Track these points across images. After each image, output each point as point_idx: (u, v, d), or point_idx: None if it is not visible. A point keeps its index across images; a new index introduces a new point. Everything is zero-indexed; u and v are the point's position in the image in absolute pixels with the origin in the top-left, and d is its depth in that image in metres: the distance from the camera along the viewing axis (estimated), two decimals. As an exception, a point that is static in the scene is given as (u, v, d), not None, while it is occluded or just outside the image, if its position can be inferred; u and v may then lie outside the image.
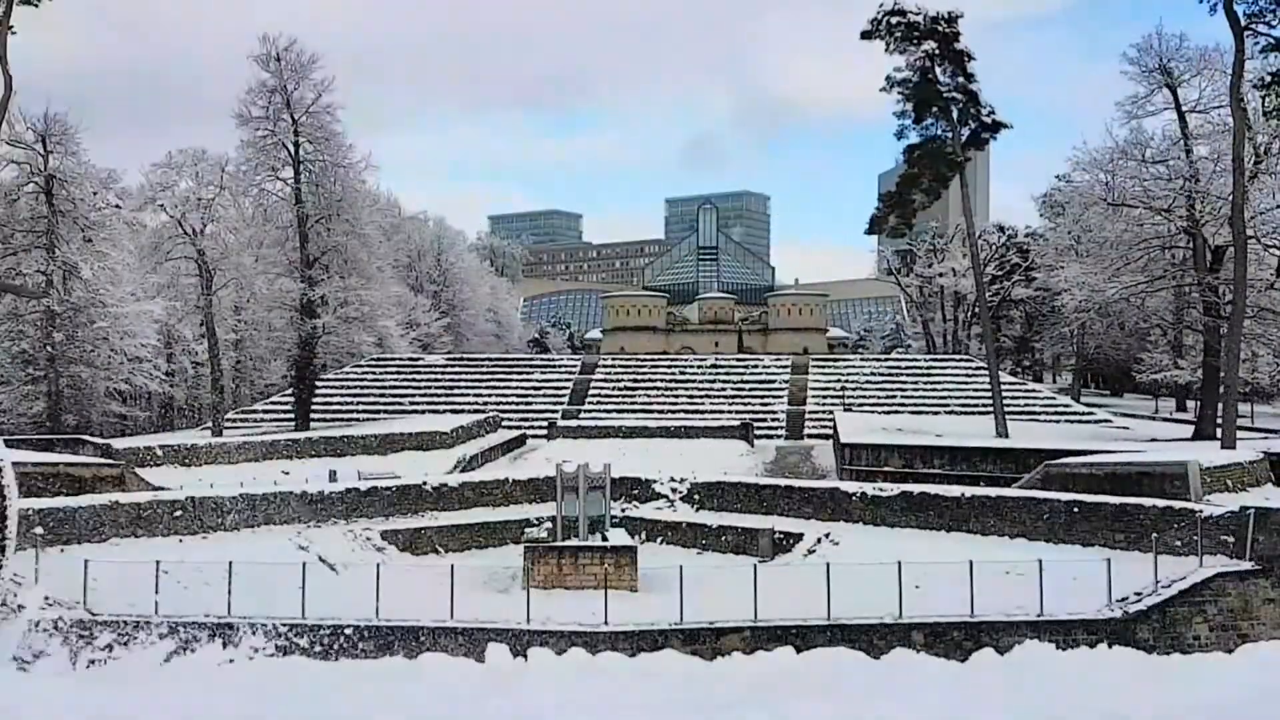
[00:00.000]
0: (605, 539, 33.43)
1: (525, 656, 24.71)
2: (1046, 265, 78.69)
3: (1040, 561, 25.93)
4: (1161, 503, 30.42)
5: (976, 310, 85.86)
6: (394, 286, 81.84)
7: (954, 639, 24.36)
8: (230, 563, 26.87)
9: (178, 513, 33.59)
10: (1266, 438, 50.94)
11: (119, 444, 50.02)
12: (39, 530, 29.65)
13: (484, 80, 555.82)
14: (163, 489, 38.33)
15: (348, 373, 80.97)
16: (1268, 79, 42.95)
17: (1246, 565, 26.77)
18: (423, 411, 73.68)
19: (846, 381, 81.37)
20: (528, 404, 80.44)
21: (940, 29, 52.47)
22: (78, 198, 59.98)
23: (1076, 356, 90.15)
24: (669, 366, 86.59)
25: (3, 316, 59.62)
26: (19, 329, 59.59)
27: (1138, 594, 25.89)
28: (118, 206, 63.75)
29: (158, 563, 27.06)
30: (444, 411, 72.44)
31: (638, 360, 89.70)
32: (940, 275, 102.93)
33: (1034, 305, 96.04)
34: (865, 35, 53.59)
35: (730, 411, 77.24)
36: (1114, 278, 56.39)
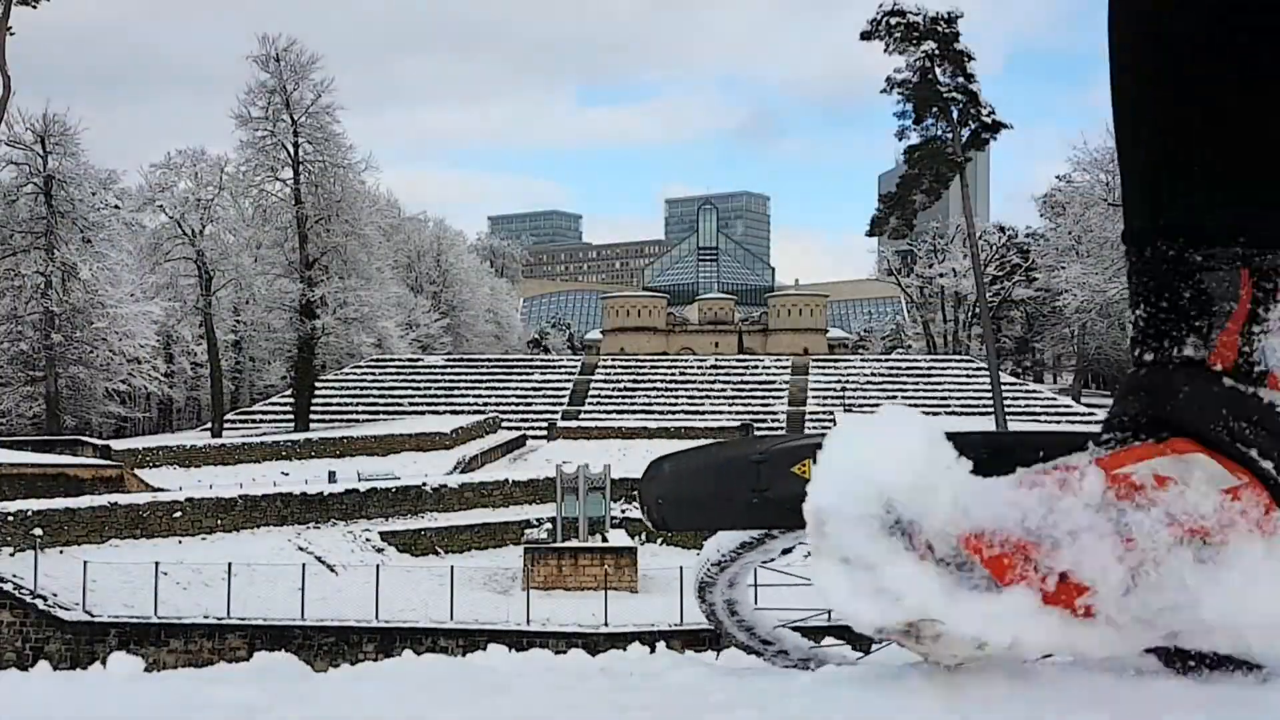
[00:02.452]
0: (605, 540, 33.38)
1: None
2: (1047, 265, 78.69)
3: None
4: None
5: (977, 311, 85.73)
6: (393, 287, 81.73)
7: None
8: (229, 564, 26.88)
9: (177, 514, 33.54)
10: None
11: (118, 445, 50.00)
12: (38, 531, 29.64)
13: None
14: (162, 490, 38.27)
15: (347, 374, 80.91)
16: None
17: (1248, 566, 26.79)
18: (422, 412, 73.63)
19: (847, 382, 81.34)
20: (528, 405, 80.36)
21: (940, 29, 52.45)
22: (77, 198, 59.91)
23: (1078, 357, 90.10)
24: (669, 367, 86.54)
25: (2, 318, 59.58)
26: (18, 330, 59.52)
27: (1139, 594, 25.86)
28: (117, 207, 63.71)
29: (156, 564, 27.05)
30: (444, 412, 72.39)
31: (638, 361, 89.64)
32: (941, 276, 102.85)
33: (1035, 306, 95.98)
34: (865, 36, 53.53)
35: (730, 412, 77.20)
36: (1115, 277, 56.44)
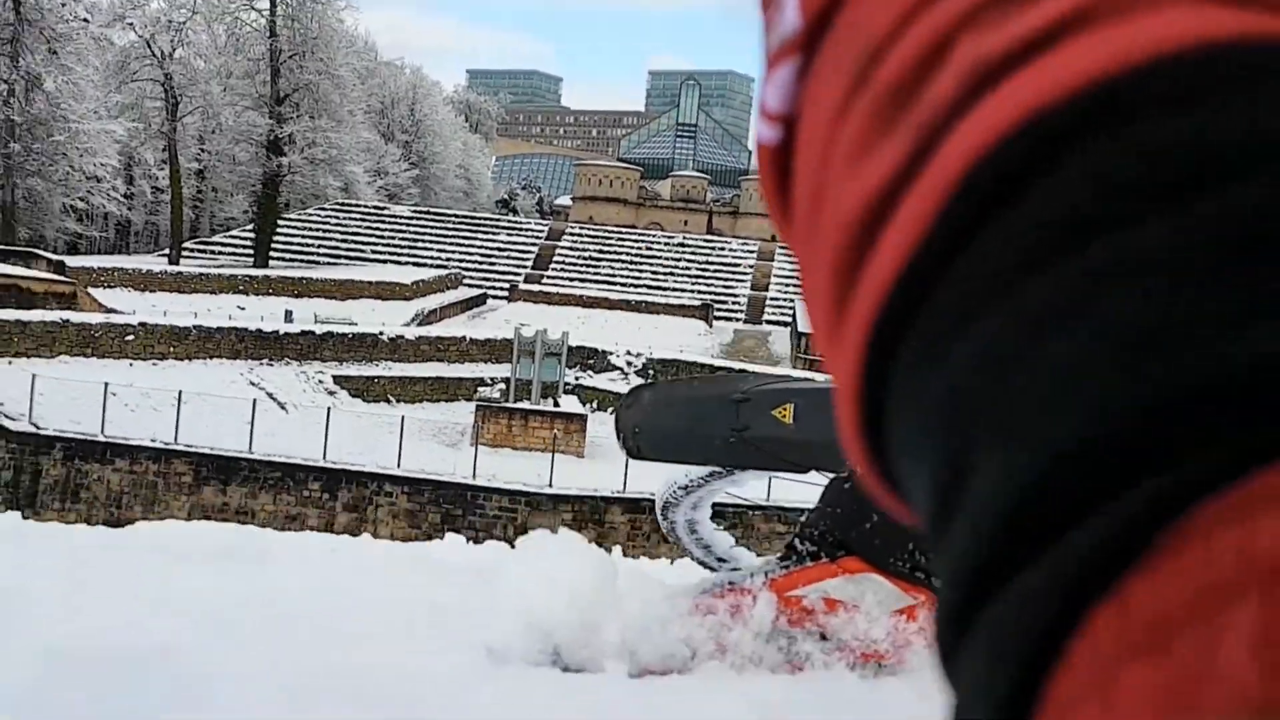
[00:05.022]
0: (557, 405, 33.70)
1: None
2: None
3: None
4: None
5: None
6: (364, 132, 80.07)
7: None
8: (179, 392, 26.86)
9: (129, 337, 33.32)
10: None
11: (73, 262, 49.28)
12: (-13, 341, 29.40)
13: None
14: (115, 311, 37.95)
15: (311, 215, 79.82)
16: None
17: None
18: (384, 262, 73.08)
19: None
20: (491, 265, 79.96)
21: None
22: (45, 7, 57.82)
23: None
24: (636, 241, 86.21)
25: (-40, 123, 57.87)
26: (-25, 136, 57.88)
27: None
28: (86, 20, 61.57)
29: (106, 385, 26.97)
30: (406, 264, 71.88)
31: (605, 231, 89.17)
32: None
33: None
34: None
35: (693, 291, 77.29)
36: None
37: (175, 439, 26.13)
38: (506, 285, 72.49)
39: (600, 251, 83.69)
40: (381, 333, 39.99)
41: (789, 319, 65.83)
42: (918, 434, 0.26)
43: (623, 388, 40.88)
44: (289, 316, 42.24)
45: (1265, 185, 0.21)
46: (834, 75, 0.29)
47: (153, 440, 26.16)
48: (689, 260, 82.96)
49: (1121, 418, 0.20)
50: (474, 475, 26.10)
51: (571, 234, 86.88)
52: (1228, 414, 0.19)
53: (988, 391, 0.24)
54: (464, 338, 42.46)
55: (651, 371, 41.74)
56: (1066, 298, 0.22)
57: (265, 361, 35.70)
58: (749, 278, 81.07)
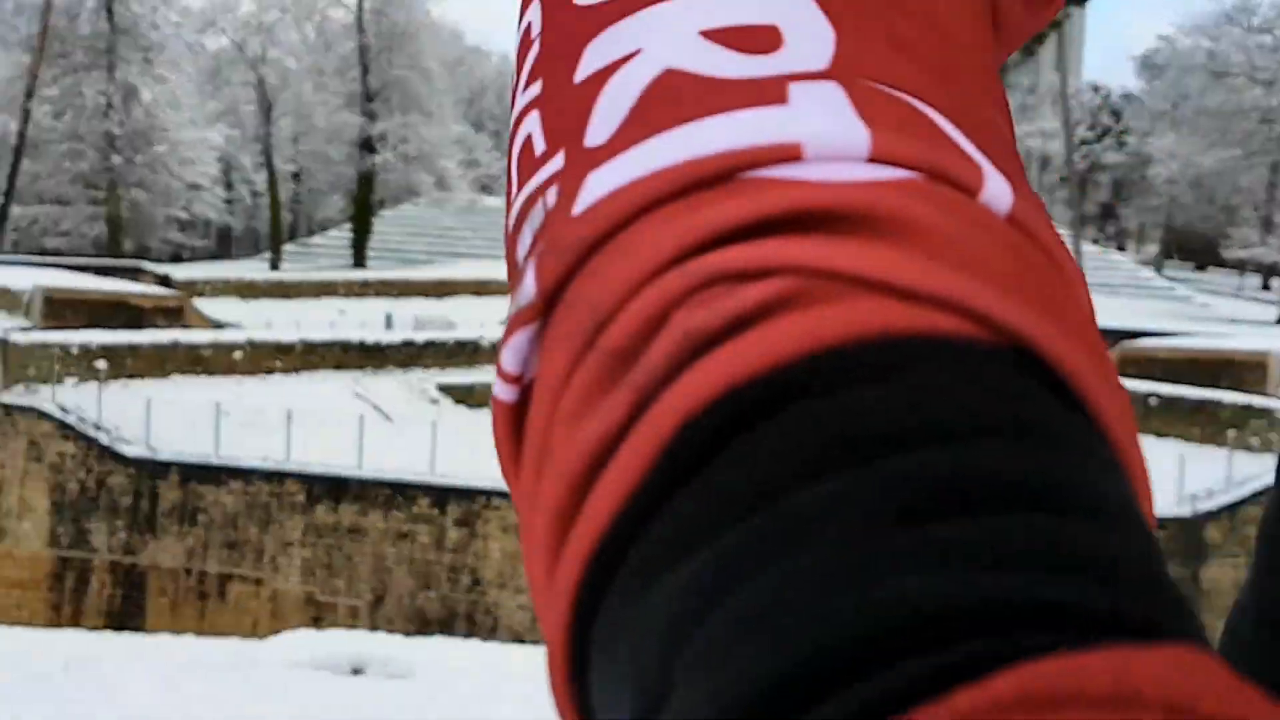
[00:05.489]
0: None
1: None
2: (1140, 130, 75.44)
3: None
4: (1242, 399, 29.42)
5: (1063, 176, 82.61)
6: (455, 126, 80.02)
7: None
8: (289, 412, 26.81)
9: (237, 354, 33.53)
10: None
11: (177, 273, 50.07)
12: (102, 364, 29.76)
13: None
14: (221, 325, 38.28)
15: (405, 210, 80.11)
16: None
17: (1330, 470, 25.85)
18: (480, 256, 73.07)
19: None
20: (586, 250, 79.39)
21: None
22: (139, 14, 58.71)
23: (1164, 229, 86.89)
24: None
25: (64, 136, 59.19)
26: (79, 149, 59.14)
27: (1209, 491, 25.22)
28: (178, 24, 62.48)
29: (218, 405, 27.04)
30: (502, 257, 71.44)
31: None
32: (1028, 136, 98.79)
33: (1124, 171, 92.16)
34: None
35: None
36: (1209, 149, 54.00)
37: (287, 457, 26.09)
38: (603, 271, 71.94)
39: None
40: (481, 338, 39.61)
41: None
42: (618, 677, 0.27)
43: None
44: (389, 321, 42.24)
45: (912, 461, 0.24)
46: (564, 340, 0.31)
47: (264, 460, 26.15)
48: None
49: (786, 664, 0.22)
50: (583, 486, 25.57)
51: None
52: (896, 651, 0.21)
53: (673, 638, 0.25)
54: (565, 335, 41.91)
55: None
56: (734, 557, 0.24)
57: (369, 371, 35.66)
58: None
